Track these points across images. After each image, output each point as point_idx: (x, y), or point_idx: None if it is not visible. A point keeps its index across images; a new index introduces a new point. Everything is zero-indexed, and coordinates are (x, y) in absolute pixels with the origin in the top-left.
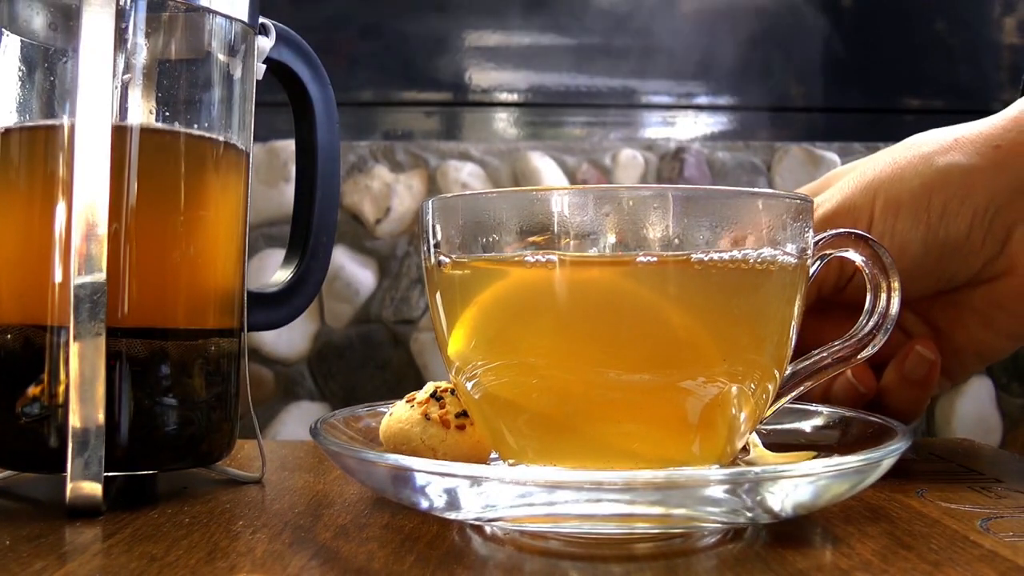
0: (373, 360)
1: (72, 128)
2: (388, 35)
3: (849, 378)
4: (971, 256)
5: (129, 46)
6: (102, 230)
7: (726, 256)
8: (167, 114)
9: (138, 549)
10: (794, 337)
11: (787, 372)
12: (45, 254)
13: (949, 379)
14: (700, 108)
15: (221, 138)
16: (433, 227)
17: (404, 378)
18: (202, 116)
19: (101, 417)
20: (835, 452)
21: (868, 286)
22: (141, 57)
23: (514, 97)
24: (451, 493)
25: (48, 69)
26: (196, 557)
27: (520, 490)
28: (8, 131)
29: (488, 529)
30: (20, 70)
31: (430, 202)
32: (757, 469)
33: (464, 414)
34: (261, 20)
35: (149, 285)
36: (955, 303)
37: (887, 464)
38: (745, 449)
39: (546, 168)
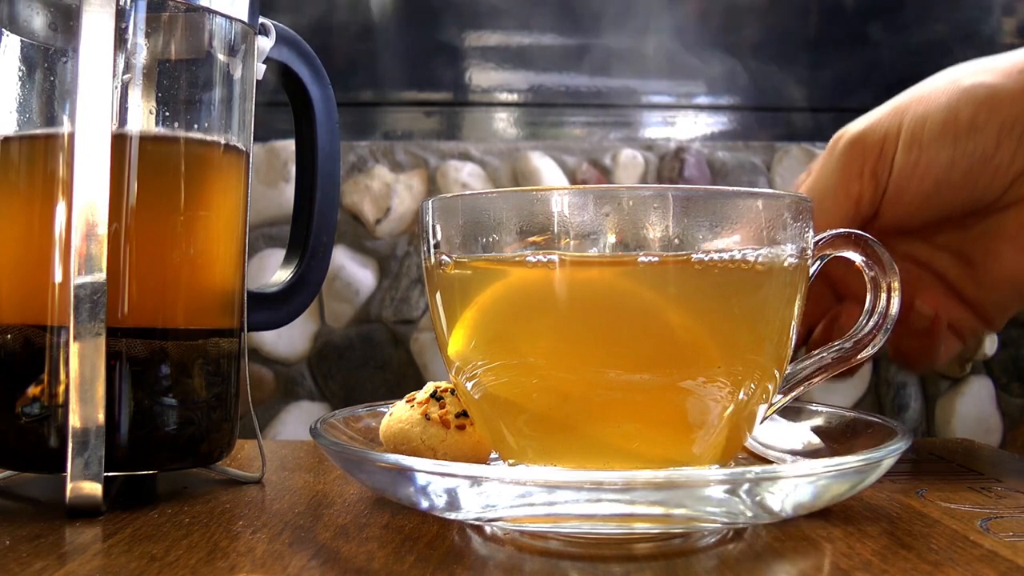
0: (373, 360)
1: (72, 128)
2: (388, 35)
3: (845, 324)
4: (1001, 170)
5: (129, 46)
6: (102, 230)
7: (726, 256)
8: (167, 114)
9: (138, 549)
10: (794, 337)
11: (787, 372)
12: (45, 254)
13: (987, 323)
14: (700, 108)
15: (221, 138)
16: (433, 227)
17: (404, 378)
18: (202, 116)
19: (101, 417)
20: (835, 452)
21: (868, 286)
22: (141, 57)
23: (514, 97)
24: (451, 493)
25: (48, 69)
26: (196, 557)
27: (520, 490)
28: (8, 132)
29: (488, 529)
30: (20, 70)
31: (430, 202)
32: (757, 469)
33: (464, 414)
34: (261, 20)
35: (149, 285)
36: (988, 232)
37: (887, 464)
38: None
39: (546, 168)
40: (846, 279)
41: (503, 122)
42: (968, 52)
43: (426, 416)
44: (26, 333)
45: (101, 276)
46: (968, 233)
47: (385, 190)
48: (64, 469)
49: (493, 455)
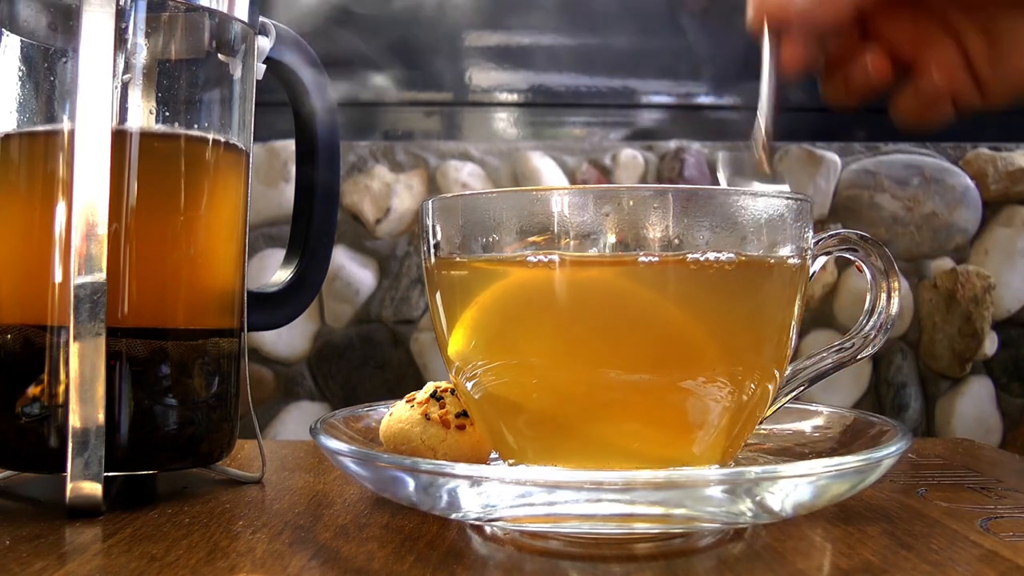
0: (373, 360)
1: (72, 128)
2: (388, 35)
3: (867, 66)
4: None
5: (129, 46)
6: (102, 230)
7: (724, 257)
8: (167, 114)
9: (138, 549)
10: (794, 337)
11: (787, 372)
12: (45, 254)
13: (986, 101)
14: (700, 108)
15: (221, 138)
16: (433, 227)
17: (404, 378)
18: (202, 116)
19: (101, 417)
20: (835, 452)
21: (868, 285)
22: (141, 57)
23: (514, 97)
24: (451, 493)
25: (48, 69)
26: (196, 557)
27: (520, 490)
28: (8, 132)
29: (488, 529)
30: (20, 70)
31: (430, 202)
32: (757, 469)
33: (464, 414)
34: (261, 20)
35: (149, 285)
36: (1021, 23)
37: (887, 464)
38: None
39: (546, 168)
40: (875, 16)
41: (503, 122)
42: None
43: (426, 416)
44: (26, 333)
45: (101, 276)
46: (1005, 17)
47: (385, 190)
48: (64, 469)
49: (493, 455)
